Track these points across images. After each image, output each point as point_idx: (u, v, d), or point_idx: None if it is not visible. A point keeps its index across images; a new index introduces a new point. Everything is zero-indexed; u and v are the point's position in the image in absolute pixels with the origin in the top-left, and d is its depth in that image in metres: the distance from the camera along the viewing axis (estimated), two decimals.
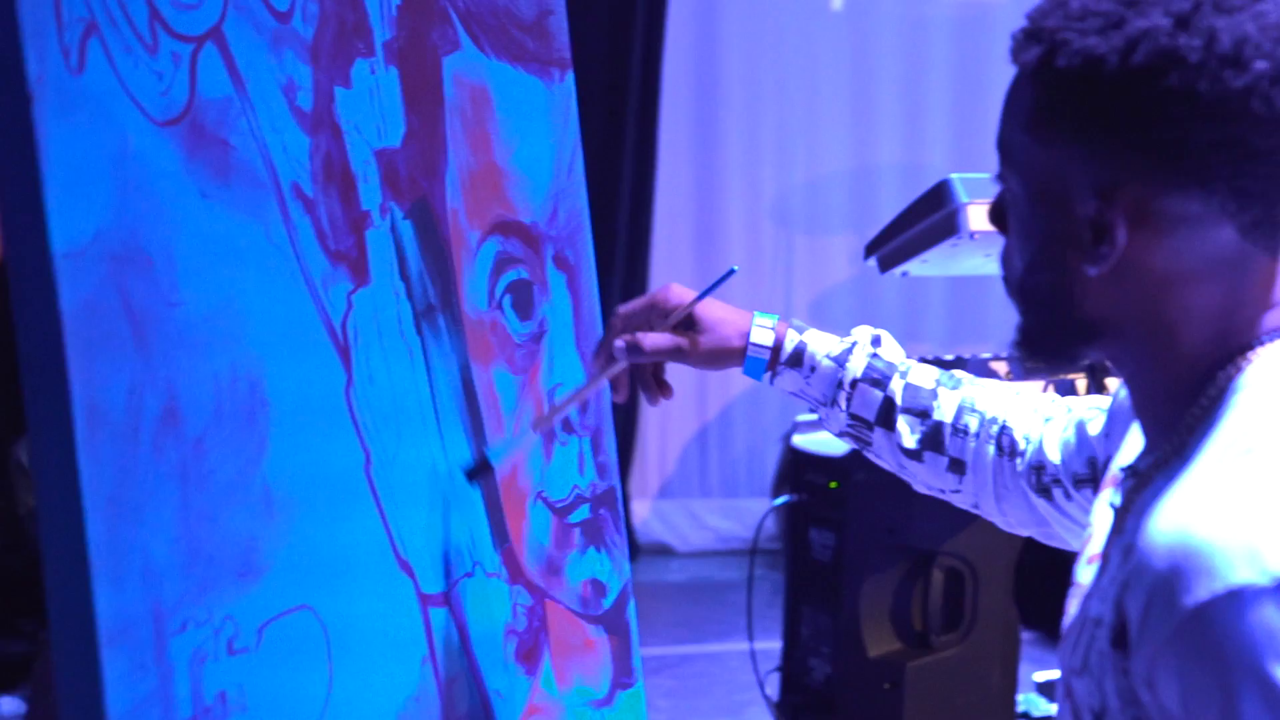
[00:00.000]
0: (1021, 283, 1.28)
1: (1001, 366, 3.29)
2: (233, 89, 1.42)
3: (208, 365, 1.35)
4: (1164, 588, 1.10)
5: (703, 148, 6.21)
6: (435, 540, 1.60)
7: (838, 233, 6.42)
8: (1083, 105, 1.18)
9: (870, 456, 1.71)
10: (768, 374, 1.69)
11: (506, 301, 1.75)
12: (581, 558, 1.82)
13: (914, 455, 1.67)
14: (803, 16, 6.24)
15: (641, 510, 6.28)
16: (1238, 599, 1.06)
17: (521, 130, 1.81)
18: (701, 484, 6.21)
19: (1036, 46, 1.21)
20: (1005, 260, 1.31)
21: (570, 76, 1.89)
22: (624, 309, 1.67)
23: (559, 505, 1.80)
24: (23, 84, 1.20)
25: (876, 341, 1.70)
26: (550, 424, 1.75)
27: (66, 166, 1.22)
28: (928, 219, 3.17)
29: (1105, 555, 1.28)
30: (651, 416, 6.09)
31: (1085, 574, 1.35)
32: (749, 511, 6.10)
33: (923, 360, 3.39)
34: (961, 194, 3.11)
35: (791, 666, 3.93)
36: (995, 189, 1.32)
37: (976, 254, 3.30)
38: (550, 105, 1.86)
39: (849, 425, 1.68)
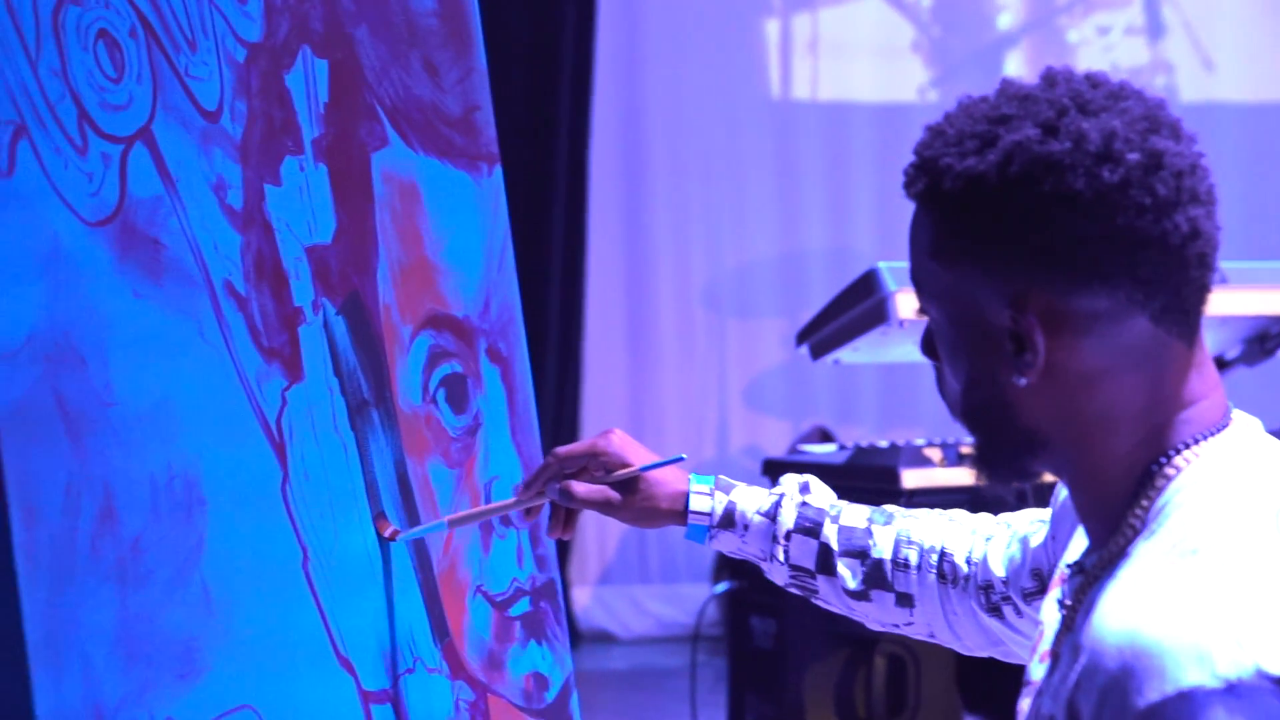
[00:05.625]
0: (962, 405, 1.30)
1: (935, 453, 3.30)
2: (163, 188, 1.42)
3: (143, 464, 1.34)
4: (1116, 688, 1.10)
5: (632, 234, 6.25)
6: (375, 637, 1.59)
7: (769, 317, 6.46)
8: (974, 224, 1.22)
9: (819, 604, 1.72)
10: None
11: (440, 395, 1.75)
12: (523, 651, 1.81)
13: (860, 596, 1.67)
14: (727, 104, 6.31)
15: (582, 597, 6.25)
16: (1189, 701, 1.07)
17: (451, 224, 1.81)
18: (641, 570, 6.19)
19: (924, 177, 1.25)
20: (943, 386, 1.33)
21: (499, 170, 1.90)
22: (563, 451, 1.65)
23: (499, 599, 1.79)
24: None
25: (805, 489, 1.70)
26: (464, 524, 1.72)
27: None
28: (857, 307, 3.20)
29: (1055, 653, 1.29)
30: None
31: (1038, 671, 1.36)
32: (689, 597, 6.08)
33: (857, 447, 3.41)
34: (890, 282, 3.13)
35: None
36: (923, 317, 1.35)
37: (906, 341, 3.32)
38: (479, 199, 1.87)
39: (791, 576, 1.69)
